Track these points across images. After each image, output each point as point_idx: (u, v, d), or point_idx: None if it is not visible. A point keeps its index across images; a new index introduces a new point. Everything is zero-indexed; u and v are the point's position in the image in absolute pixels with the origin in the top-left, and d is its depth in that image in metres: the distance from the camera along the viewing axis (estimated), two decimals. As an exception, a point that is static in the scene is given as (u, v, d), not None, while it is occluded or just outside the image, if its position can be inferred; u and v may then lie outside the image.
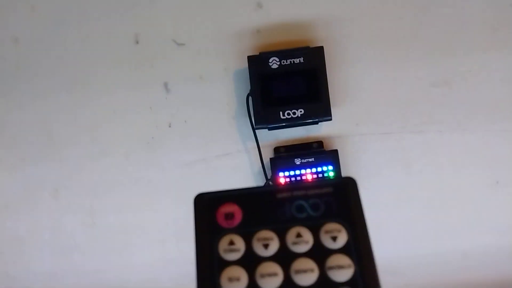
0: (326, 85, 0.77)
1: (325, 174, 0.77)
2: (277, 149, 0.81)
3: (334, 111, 0.78)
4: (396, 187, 0.81)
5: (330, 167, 0.78)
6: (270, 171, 0.78)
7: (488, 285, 0.80)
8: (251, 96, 0.78)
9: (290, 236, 0.38)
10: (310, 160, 0.78)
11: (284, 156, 0.79)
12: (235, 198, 0.41)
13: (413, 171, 0.81)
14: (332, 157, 0.78)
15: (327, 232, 0.39)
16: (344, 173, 0.78)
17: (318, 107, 0.77)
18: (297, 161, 0.78)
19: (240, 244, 0.39)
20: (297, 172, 0.77)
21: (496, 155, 0.80)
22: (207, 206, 0.41)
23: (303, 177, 0.77)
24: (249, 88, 0.78)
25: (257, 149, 0.80)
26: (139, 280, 0.84)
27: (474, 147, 0.80)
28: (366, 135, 0.81)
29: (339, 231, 0.39)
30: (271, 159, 0.79)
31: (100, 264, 0.84)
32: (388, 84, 0.81)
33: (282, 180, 0.77)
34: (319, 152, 0.79)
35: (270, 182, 0.78)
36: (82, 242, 0.84)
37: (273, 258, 0.38)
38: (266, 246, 0.38)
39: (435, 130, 0.81)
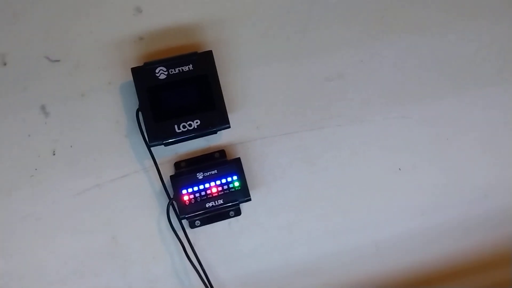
0: (220, 91, 0.73)
1: (231, 185, 0.74)
2: (177, 164, 0.76)
3: (232, 116, 0.74)
4: (302, 187, 0.79)
5: (235, 177, 0.74)
6: (173, 189, 0.73)
7: (403, 272, 0.82)
8: (141, 111, 0.72)
9: None
10: (213, 172, 0.74)
11: (185, 171, 0.74)
12: None
13: (317, 168, 0.79)
14: (236, 166, 0.74)
15: None
16: (249, 180, 0.75)
17: (215, 115, 0.73)
18: (200, 176, 0.73)
19: None
20: (201, 187, 0.73)
21: (396, 142, 0.81)
22: None
23: (208, 191, 0.73)
24: (138, 102, 0.72)
25: (155, 167, 0.74)
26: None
27: (374, 137, 0.81)
28: (267, 138, 0.78)
29: None
30: (171, 176, 0.73)
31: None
32: (283, 82, 0.79)
33: (186, 198, 0.72)
34: (222, 162, 0.75)
35: (174, 202, 0.73)
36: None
37: None
38: None
39: (334, 124, 0.80)
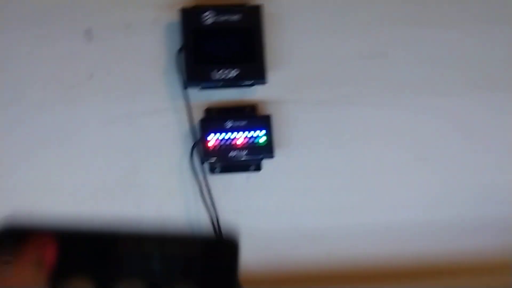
0: (263, 47, 0.74)
1: (257, 139, 0.75)
2: (208, 111, 0.77)
3: (269, 75, 0.75)
4: (323, 157, 0.80)
5: (263, 132, 0.75)
6: (200, 132, 0.74)
7: (408, 258, 0.82)
8: (183, 52, 0.73)
9: None
10: (243, 123, 0.75)
11: (215, 118, 0.75)
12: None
13: (340, 143, 0.80)
14: (265, 122, 0.75)
15: None
16: (275, 139, 0.76)
17: (253, 68, 0.74)
18: (229, 124, 0.74)
19: None
20: (228, 135, 0.74)
21: (423, 132, 0.82)
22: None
23: (235, 141, 0.74)
24: (181, 43, 0.73)
25: (186, 108, 0.75)
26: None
27: (401, 122, 0.81)
28: (299, 103, 0.79)
29: None
30: (201, 120, 0.75)
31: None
32: (327, 52, 0.80)
33: (211, 143, 0.74)
34: (252, 116, 0.76)
35: (199, 144, 0.74)
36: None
37: None
38: None
39: (363, 102, 0.80)
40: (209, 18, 0.73)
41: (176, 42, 0.76)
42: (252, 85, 0.76)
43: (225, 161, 0.74)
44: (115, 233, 0.31)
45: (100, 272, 0.30)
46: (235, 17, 0.74)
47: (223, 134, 0.74)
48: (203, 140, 0.74)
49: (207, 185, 0.75)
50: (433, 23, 0.82)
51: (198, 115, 0.76)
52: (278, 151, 0.77)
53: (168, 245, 0.31)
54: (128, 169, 0.76)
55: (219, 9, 0.73)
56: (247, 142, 0.74)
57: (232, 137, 0.74)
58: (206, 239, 0.33)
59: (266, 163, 0.78)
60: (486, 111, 0.83)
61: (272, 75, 0.76)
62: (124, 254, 0.30)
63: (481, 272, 0.84)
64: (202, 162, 0.74)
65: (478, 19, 0.83)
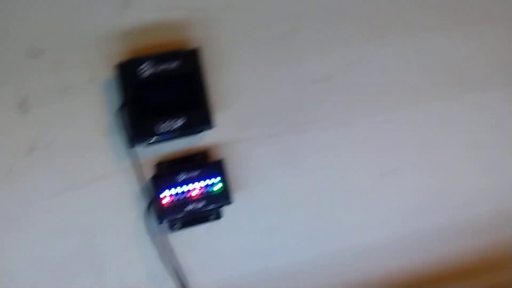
0: (206, 91, 0.71)
1: (212, 187, 0.72)
2: (159, 165, 0.74)
3: (216, 117, 0.72)
4: (286, 191, 0.78)
5: (218, 179, 0.72)
6: (153, 190, 0.71)
7: (385, 276, 0.81)
8: (124, 109, 0.70)
9: None
10: (195, 174, 0.72)
11: (166, 173, 0.72)
12: None
13: (301, 172, 0.79)
14: (218, 167, 0.73)
15: None
16: (232, 182, 0.74)
17: (199, 115, 0.71)
18: (181, 177, 0.71)
19: None
20: (182, 189, 0.71)
21: (381, 146, 0.81)
22: None
23: (190, 193, 0.71)
24: (121, 99, 0.70)
25: (135, 167, 0.72)
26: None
27: (360, 140, 0.80)
28: (252, 140, 0.77)
29: None
30: (152, 177, 0.71)
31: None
32: (270, 83, 0.78)
33: (166, 200, 0.71)
34: (204, 164, 0.73)
35: (153, 204, 0.71)
36: None
37: None
38: None
39: (319, 127, 0.79)
40: (146, 69, 0.70)
41: (115, 99, 0.72)
42: (200, 131, 0.73)
43: (183, 216, 0.71)
44: None
45: None
46: (173, 65, 0.71)
47: (177, 188, 0.71)
48: (157, 198, 0.71)
49: (168, 245, 0.72)
50: (373, 40, 0.81)
51: (149, 172, 0.73)
52: (237, 194, 0.75)
53: None
54: (83, 242, 0.72)
55: (156, 59, 0.71)
56: (203, 192, 0.72)
57: (186, 189, 0.71)
58: None
59: (226, 209, 0.75)
60: (442, 117, 0.83)
61: (219, 116, 0.74)
62: None
63: (463, 276, 0.83)
64: (160, 222, 0.71)
65: (419, 29, 0.82)
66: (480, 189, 0.84)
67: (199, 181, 0.72)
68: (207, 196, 0.72)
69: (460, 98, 0.83)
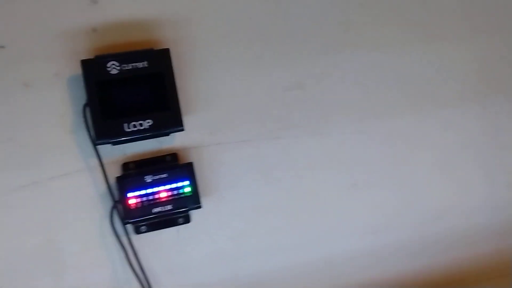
0: (176, 92, 0.70)
1: (181, 190, 0.70)
2: (125, 166, 0.71)
3: (186, 119, 0.71)
4: (255, 197, 0.77)
5: (186, 182, 0.70)
6: (118, 191, 0.68)
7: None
8: (89, 107, 0.68)
9: None
10: (163, 176, 0.70)
11: (133, 173, 0.70)
12: None
13: (272, 179, 0.77)
14: (187, 171, 0.71)
15: None
16: (201, 187, 0.72)
17: (168, 116, 0.69)
18: (148, 179, 0.69)
19: None
20: (149, 190, 0.69)
21: (352, 157, 0.80)
22: None
23: (157, 195, 0.69)
24: (86, 97, 0.67)
25: (100, 166, 0.69)
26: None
27: (331, 150, 0.80)
28: (222, 144, 0.75)
29: None
30: (117, 178, 0.69)
31: None
32: (242, 88, 0.77)
33: (132, 201, 0.68)
34: (173, 166, 0.71)
35: (119, 205, 0.68)
36: None
37: None
38: None
39: (291, 135, 0.78)
40: (113, 67, 0.68)
41: (81, 95, 0.70)
42: (169, 133, 0.71)
43: (150, 219, 0.69)
44: None
45: None
46: (142, 64, 0.69)
47: (144, 190, 0.69)
48: (122, 199, 0.68)
49: (132, 248, 0.70)
50: (347, 51, 0.81)
51: (115, 172, 0.71)
52: (206, 199, 0.73)
53: None
54: (43, 240, 0.69)
55: (123, 57, 0.69)
56: (171, 194, 0.70)
57: (154, 191, 0.69)
58: None
59: (195, 213, 0.73)
60: (414, 130, 0.83)
61: (190, 119, 0.73)
62: None
63: None
64: (125, 224, 0.69)
65: (392, 40, 0.83)
66: (448, 205, 0.85)
67: (167, 183, 0.70)
68: (175, 199, 0.70)
69: (431, 114, 0.84)
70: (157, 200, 0.69)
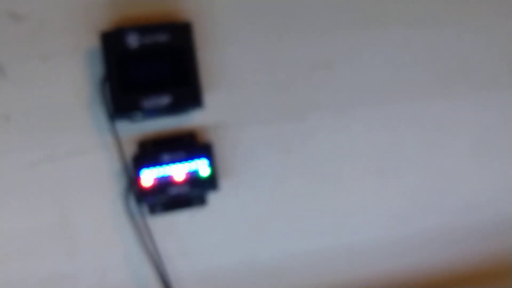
0: (196, 68, 0.67)
1: (198, 171, 0.68)
2: (142, 144, 0.70)
3: (207, 97, 0.68)
4: (276, 181, 0.74)
5: (204, 162, 0.68)
6: (133, 170, 0.67)
7: (372, 281, 0.77)
8: (107, 81, 0.66)
9: None
10: (181, 155, 0.68)
11: (150, 152, 0.68)
12: None
13: (294, 162, 0.75)
14: (206, 151, 0.68)
15: None
16: (220, 168, 0.70)
17: (188, 93, 0.67)
18: (165, 157, 0.67)
19: None
20: (166, 170, 0.67)
21: (380, 142, 0.77)
22: None
23: (173, 176, 0.67)
24: (104, 71, 0.66)
25: (117, 144, 0.67)
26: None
27: (358, 134, 0.76)
28: (243, 124, 0.73)
29: None
30: (134, 156, 0.67)
31: None
32: (266, 66, 0.74)
33: (148, 181, 0.66)
34: (191, 146, 0.69)
35: (134, 184, 0.67)
36: None
37: None
38: None
39: (316, 117, 0.75)
40: (133, 40, 0.66)
41: (99, 70, 0.68)
42: (188, 111, 0.69)
43: (165, 200, 0.67)
44: None
45: None
46: (163, 38, 0.67)
47: (160, 169, 0.67)
48: (138, 178, 0.66)
49: (147, 228, 0.68)
50: (378, 28, 0.77)
51: (131, 150, 0.69)
52: (223, 181, 0.71)
53: None
54: (57, 218, 0.68)
55: (144, 30, 0.66)
56: (188, 175, 0.67)
57: (170, 171, 0.67)
58: None
59: (212, 195, 0.71)
60: (446, 115, 0.79)
61: (209, 97, 0.70)
62: None
63: (456, 283, 0.81)
64: (140, 203, 0.67)
65: (427, 20, 0.78)
66: (482, 195, 0.81)
67: (184, 163, 0.68)
68: (192, 180, 0.67)
69: (465, 97, 0.80)
70: (174, 181, 0.67)
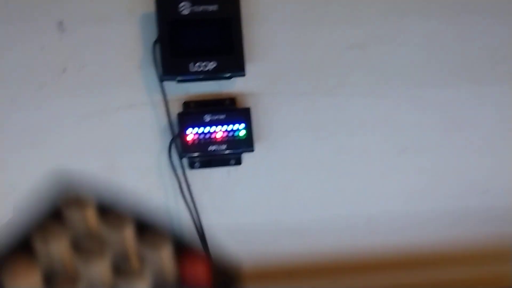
0: (241, 38, 0.72)
1: (236, 133, 0.73)
2: (186, 104, 0.75)
3: (248, 66, 0.73)
4: (306, 149, 0.79)
5: (242, 125, 0.73)
6: (178, 127, 0.72)
7: (390, 249, 0.82)
8: (159, 44, 0.71)
9: None
10: (221, 117, 0.73)
11: (193, 111, 0.73)
12: None
13: (323, 134, 0.79)
14: (245, 115, 0.73)
15: None
16: (255, 132, 0.75)
17: (232, 60, 0.72)
18: (207, 118, 0.72)
19: None
20: (207, 129, 0.72)
21: (405, 122, 0.80)
22: None
23: (214, 135, 0.72)
24: (157, 34, 0.71)
25: (164, 102, 0.73)
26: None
27: (385, 112, 0.80)
28: (279, 94, 0.77)
29: None
30: (178, 114, 0.73)
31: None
32: (306, 43, 0.78)
33: (190, 137, 0.72)
34: (231, 109, 0.74)
35: (177, 139, 0.72)
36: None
37: None
38: None
39: (347, 93, 0.79)
40: (185, 8, 0.71)
41: (152, 33, 0.73)
42: (230, 77, 0.74)
43: (205, 156, 0.73)
44: None
45: None
46: (212, 8, 0.72)
47: (202, 128, 0.72)
48: (181, 134, 0.72)
49: (186, 181, 0.74)
50: (413, 15, 0.80)
51: (176, 109, 0.74)
52: (258, 145, 0.76)
53: None
54: (104, 166, 0.74)
55: (195, -1, 0.71)
56: (227, 135, 0.73)
57: (211, 131, 0.72)
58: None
59: (246, 156, 0.76)
60: (471, 102, 0.82)
61: (251, 66, 0.75)
62: None
63: (465, 262, 0.84)
64: (181, 158, 0.73)
65: (460, 9, 0.81)
66: (498, 180, 0.84)
67: (224, 124, 0.73)
68: (230, 140, 0.73)
69: (491, 88, 0.82)
70: (213, 139, 0.72)
